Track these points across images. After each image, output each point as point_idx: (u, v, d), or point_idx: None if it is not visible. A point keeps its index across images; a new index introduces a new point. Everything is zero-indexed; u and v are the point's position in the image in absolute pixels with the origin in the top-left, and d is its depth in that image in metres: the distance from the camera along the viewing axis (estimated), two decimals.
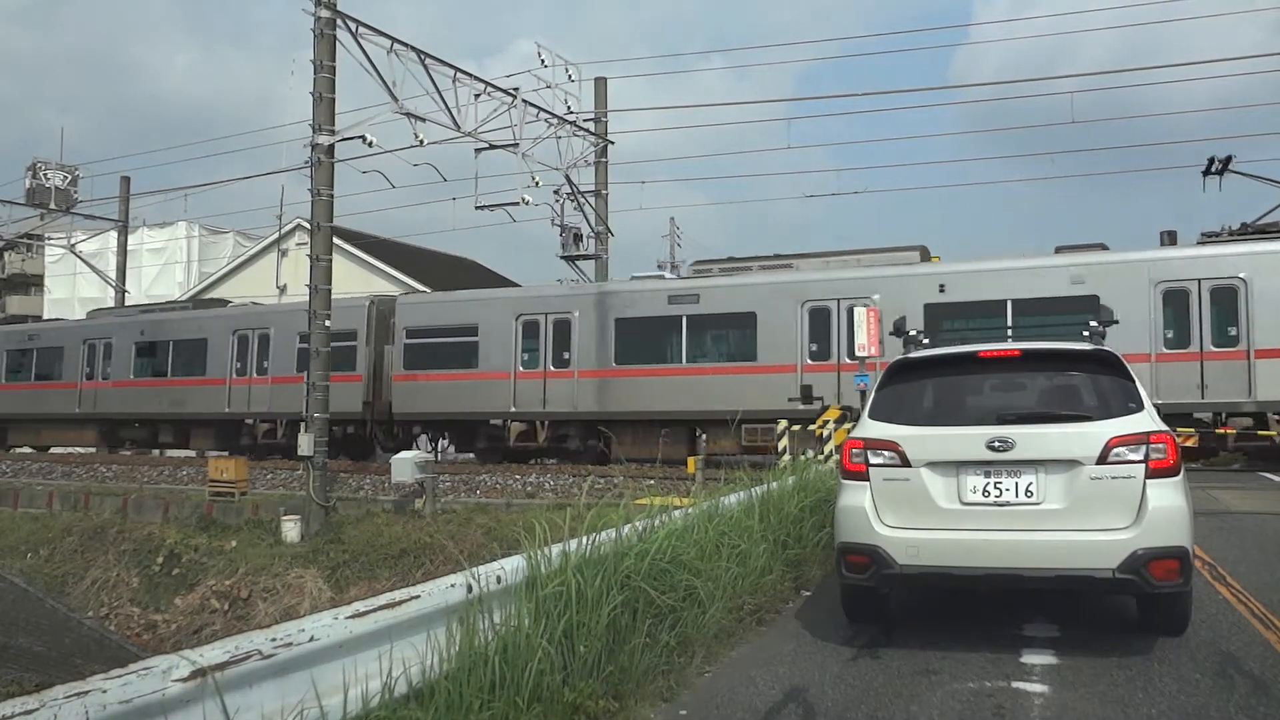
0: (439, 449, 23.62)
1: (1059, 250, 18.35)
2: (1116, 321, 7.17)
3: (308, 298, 17.53)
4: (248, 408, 24.47)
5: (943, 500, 5.53)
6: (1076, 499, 5.31)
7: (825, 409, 16.45)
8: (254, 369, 24.20)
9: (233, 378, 24.47)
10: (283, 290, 30.56)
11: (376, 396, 22.83)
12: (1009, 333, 12.73)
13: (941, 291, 18.08)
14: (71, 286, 46.17)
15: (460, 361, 21.85)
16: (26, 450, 28.88)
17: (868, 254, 20.45)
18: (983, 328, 16.35)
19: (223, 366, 24.65)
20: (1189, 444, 15.51)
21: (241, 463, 19.47)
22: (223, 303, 28.65)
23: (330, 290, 18.03)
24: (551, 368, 20.94)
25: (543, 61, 22.82)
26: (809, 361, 18.89)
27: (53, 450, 28.60)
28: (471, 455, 23.34)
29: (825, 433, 15.18)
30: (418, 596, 4.18)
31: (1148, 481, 5.26)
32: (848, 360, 17.71)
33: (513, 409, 21.33)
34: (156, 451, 27.80)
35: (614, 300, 20.76)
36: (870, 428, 5.94)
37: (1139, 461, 5.28)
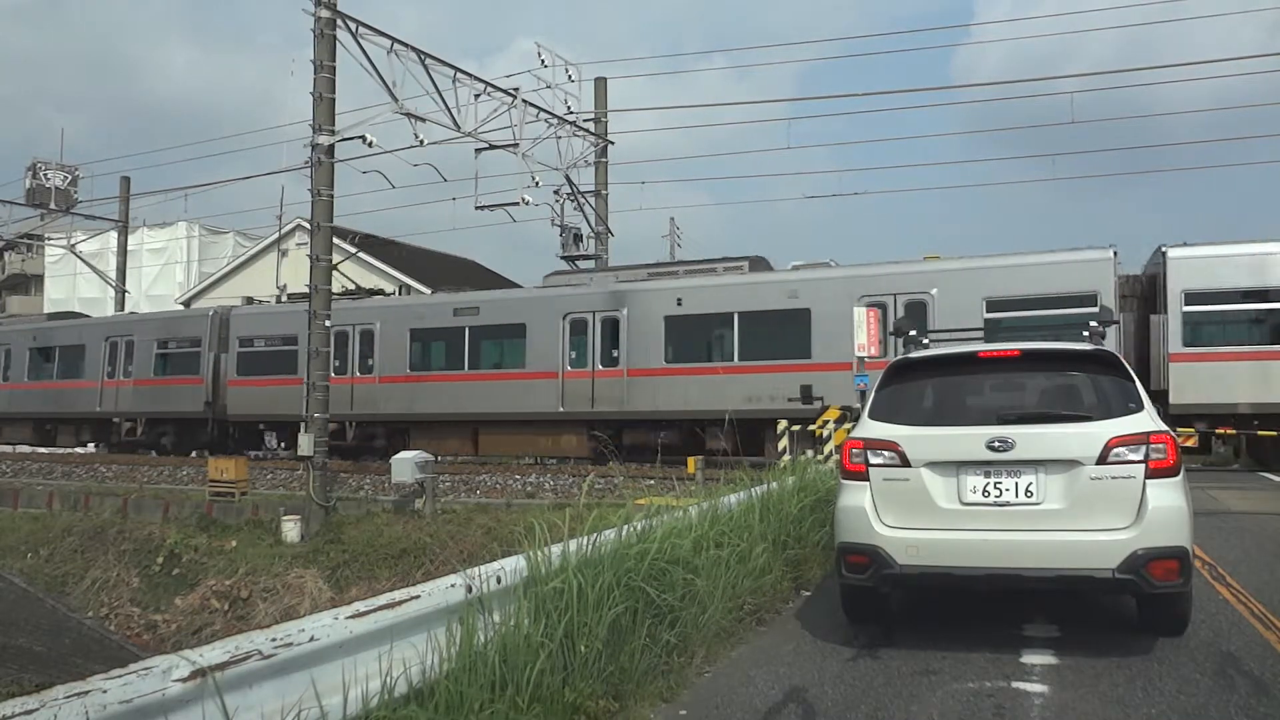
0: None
1: None
2: (1117, 321, 7.10)
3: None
4: None
5: (943, 500, 5.53)
6: (1076, 499, 5.31)
7: None
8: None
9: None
10: (283, 289, 30.26)
11: None
12: None
13: None
14: (71, 286, 46.23)
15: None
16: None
17: None
18: None
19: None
20: (1189, 444, 15.49)
21: (242, 462, 19.47)
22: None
23: (330, 290, 17.98)
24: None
25: (543, 61, 22.90)
26: None
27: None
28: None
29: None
30: (418, 596, 4.18)
31: (1147, 482, 5.26)
32: None
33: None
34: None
35: None
36: (870, 428, 5.94)
37: (1139, 461, 5.28)
